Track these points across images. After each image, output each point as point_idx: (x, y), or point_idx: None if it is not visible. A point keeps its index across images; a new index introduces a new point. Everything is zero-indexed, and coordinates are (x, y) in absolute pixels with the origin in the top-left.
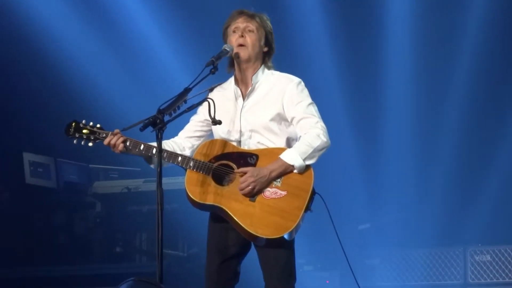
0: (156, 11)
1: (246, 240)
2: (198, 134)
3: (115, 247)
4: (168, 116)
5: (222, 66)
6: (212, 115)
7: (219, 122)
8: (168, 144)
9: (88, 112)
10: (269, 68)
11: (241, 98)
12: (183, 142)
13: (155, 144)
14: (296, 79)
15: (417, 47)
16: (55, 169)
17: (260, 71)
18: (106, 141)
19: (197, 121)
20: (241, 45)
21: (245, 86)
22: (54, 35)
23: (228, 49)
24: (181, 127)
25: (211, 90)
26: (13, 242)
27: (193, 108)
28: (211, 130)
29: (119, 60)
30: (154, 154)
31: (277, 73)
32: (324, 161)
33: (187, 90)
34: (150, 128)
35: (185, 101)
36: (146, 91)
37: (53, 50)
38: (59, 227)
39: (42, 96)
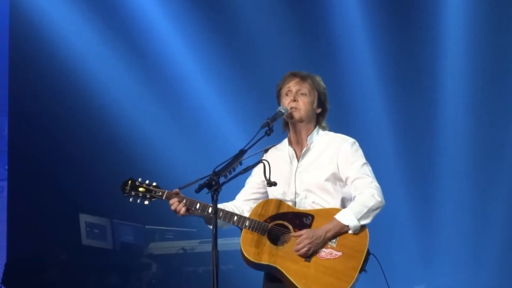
0: (212, 71)
1: None
2: (255, 196)
3: None
4: (223, 178)
5: (277, 126)
6: (268, 177)
7: (275, 184)
8: (228, 207)
9: (143, 173)
10: (323, 129)
11: (295, 159)
12: (242, 205)
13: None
14: (350, 139)
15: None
16: (111, 230)
17: (314, 132)
18: (171, 202)
19: (254, 183)
20: (293, 108)
21: (299, 147)
22: (108, 94)
23: (283, 111)
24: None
25: (266, 151)
26: None
27: (248, 170)
28: (266, 192)
29: (174, 120)
30: (210, 213)
31: (331, 133)
32: (378, 221)
33: (242, 152)
34: (205, 190)
35: (241, 163)
36: (200, 151)
37: (105, 109)
38: None
39: (98, 157)
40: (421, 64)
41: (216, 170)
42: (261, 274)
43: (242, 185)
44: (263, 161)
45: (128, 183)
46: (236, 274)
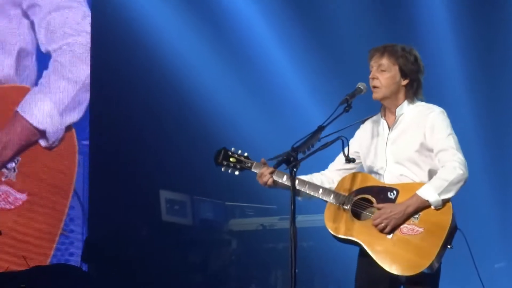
0: (293, 47)
1: (394, 276)
2: (348, 166)
3: (250, 285)
4: (302, 154)
5: (355, 103)
6: (346, 154)
7: (353, 160)
8: (317, 177)
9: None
10: (413, 101)
11: (387, 130)
12: (332, 174)
13: (301, 177)
14: (438, 109)
15: None
16: (191, 206)
17: (404, 104)
18: (258, 173)
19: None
20: (374, 86)
21: (391, 119)
22: (187, 71)
23: (361, 87)
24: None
25: (363, 122)
26: (150, 279)
27: (327, 146)
28: (361, 162)
29: (255, 97)
30: (297, 185)
31: (421, 104)
32: (459, 196)
33: (321, 128)
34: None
35: (319, 139)
36: (281, 127)
37: (187, 87)
38: (194, 264)
39: (178, 133)
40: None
41: (295, 146)
42: (343, 252)
43: (321, 161)
44: (341, 138)
45: (221, 153)
46: (317, 251)
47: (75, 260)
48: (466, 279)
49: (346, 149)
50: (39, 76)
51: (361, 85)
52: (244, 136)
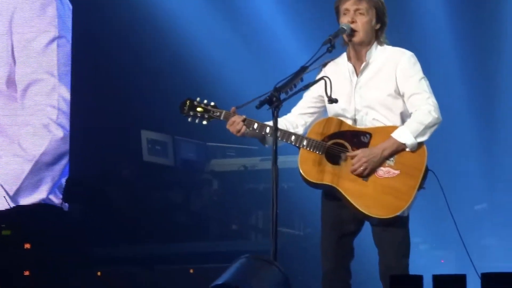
0: None
1: (361, 218)
2: (312, 110)
3: (231, 225)
4: (284, 94)
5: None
6: (329, 94)
7: (336, 101)
8: (281, 122)
9: (205, 90)
10: (381, 44)
11: (355, 75)
12: (296, 119)
13: (268, 122)
14: (408, 52)
15: None
16: (172, 147)
17: (373, 47)
18: (230, 121)
19: (311, 97)
20: (353, 30)
21: (359, 63)
22: (172, 13)
23: (345, 28)
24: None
25: (325, 65)
26: (132, 220)
27: (309, 87)
28: (324, 106)
29: (235, 39)
30: (268, 133)
31: (389, 47)
32: (438, 138)
33: (304, 69)
34: (265, 107)
35: (302, 79)
36: (261, 70)
37: (171, 29)
38: (176, 204)
39: (161, 74)
40: None
41: (277, 86)
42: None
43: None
44: (325, 77)
45: (186, 103)
46: (298, 192)
47: (57, 199)
48: (443, 222)
49: (329, 90)
50: None
51: (344, 25)
52: (225, 76)
